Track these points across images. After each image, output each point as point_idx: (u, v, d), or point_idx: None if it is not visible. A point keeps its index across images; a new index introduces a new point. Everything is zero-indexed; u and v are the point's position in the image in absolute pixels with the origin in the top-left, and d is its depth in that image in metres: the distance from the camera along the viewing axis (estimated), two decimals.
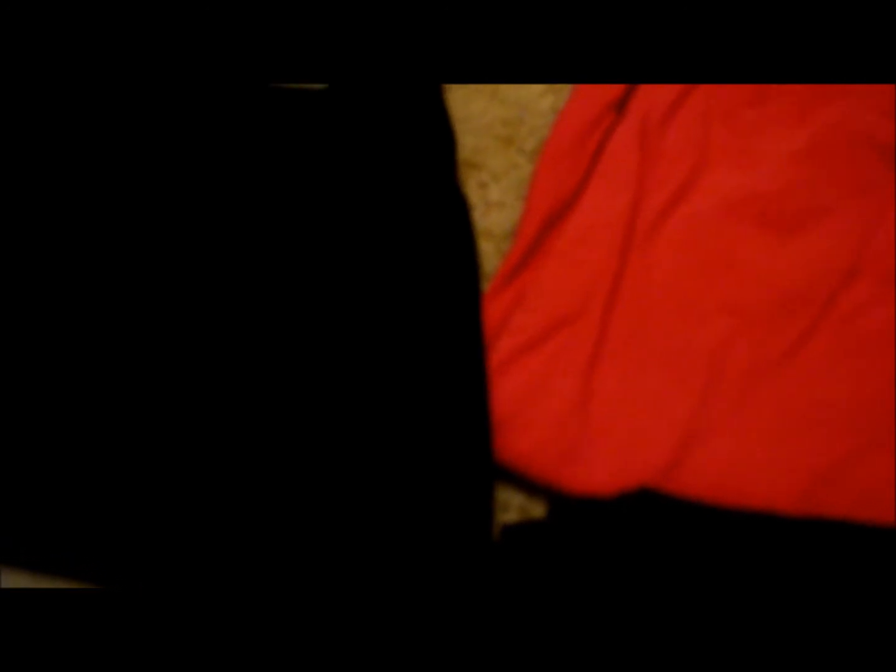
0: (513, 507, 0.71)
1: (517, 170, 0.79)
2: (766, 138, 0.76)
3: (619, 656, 0.63)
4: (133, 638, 0.64)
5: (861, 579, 0.63)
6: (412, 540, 0.67)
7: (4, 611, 0.64)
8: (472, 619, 0.64)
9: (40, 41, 0.74)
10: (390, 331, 0.71)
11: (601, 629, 0.63)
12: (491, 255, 0.77)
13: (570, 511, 0.68)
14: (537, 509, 0.71)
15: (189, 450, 0.69)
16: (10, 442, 0.69)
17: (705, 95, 0.77)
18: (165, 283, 0.72)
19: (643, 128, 0.76)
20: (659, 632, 0.63)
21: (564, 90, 0.80)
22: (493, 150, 0.79)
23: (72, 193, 0.74)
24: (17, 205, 0.73)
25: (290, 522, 0.68)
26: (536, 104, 0.80)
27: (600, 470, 0.70)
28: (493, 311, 0.73)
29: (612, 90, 0.77)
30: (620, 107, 0.77)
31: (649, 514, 0.66)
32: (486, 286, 0.75)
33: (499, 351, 0.72)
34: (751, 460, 0.69)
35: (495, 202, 0.78)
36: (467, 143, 0.79)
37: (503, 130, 0.80)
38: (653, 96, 0.77)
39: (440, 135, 0.76)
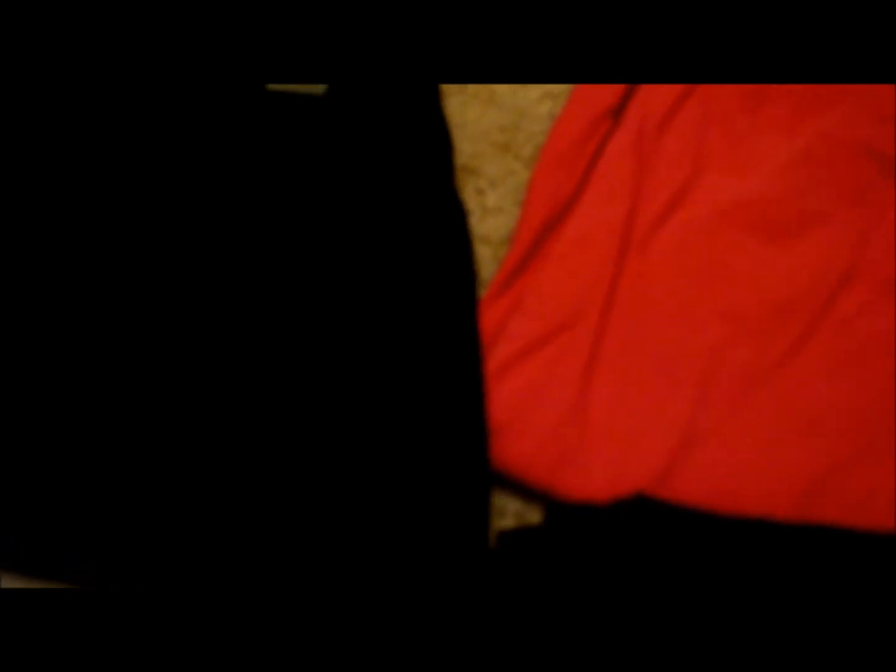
0: (509, 512, 0.71)
1: (514, 176, 0.79)
2: (761, 145, 0.76)
3: (616, 661, 0.63)
4: (133, 638, 0.64)
5: (857, 585, 0.63)
6: (409, 545, 0.67)
7: (4, 611, 0.64)
8: (468, 624, 0.64)
9: (40, 41, 0.74)
10: (387, 336, 0.71)
11: (597, 635, 0.63)
12: (488, 260, 0.77)
13: (567, 517, 0.68)
14: (534, 515, 0.71)
15: (187, 451, 0.69)
16: (10, 442, 0.69)
17: (701, 102, 0.77)
18: (165, 284, 0.72)
19: (640, 134, 0.76)
20: (655, 637, 0.63)
21: (561, 96, 0.80)
22: (490, 155, 0.80)
23: (73, 195, 0.73)
24: (16, 206, 0.73)
25: (287, 526, 0.68)
26: (533, 110, 0.81)
27: (597, 476, 0.70)
28: (489, 316, 0.73)
29: (609, 96, 0.77)
30: (617, 113, 0.77)
31: (645, 519, 0.67)
32: (483, 292, 0.75)
33: (495, 357, 0.72)
34: (746, 466, 0.69)
35: (492, 208, 0.79)
36: (464, 148, 0.80)
37: (500, 136, 0.80)
38: (649, 103, 0.77)
39: (437, 140, 0.76)
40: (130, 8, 0.74)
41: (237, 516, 0.68)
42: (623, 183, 0.76)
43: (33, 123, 0.75)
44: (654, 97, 0.77)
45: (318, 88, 0.76)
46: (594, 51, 0.74)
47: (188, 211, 0.73)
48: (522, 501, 0.71)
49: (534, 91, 0.81)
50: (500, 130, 0.80)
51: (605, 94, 0.77)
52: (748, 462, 0.69)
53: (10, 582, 0.68)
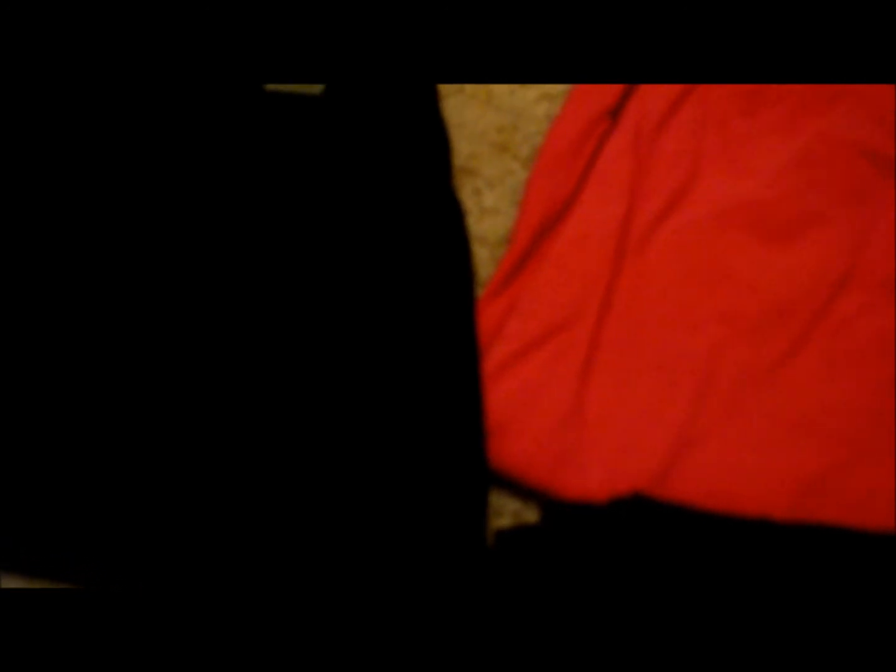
0: (507, 512, 0.71)
1: (512, 176, 0.79)
2: (758, 147, 0.76)
3: (613, 660, 0.63)
4: (133, 638, 0.64)
5: (855, 585, 0.63)
6: (407, 545, 0.67)
7: (4, 611, 0.64)
8: (466, 623, 0.64)
9: (40, 41, 0.74)
10: (385, 336, 0.71)
11: (595, 634, 0.63)
12: (485, 261, 0.77)
13: (564, 516, 0.68)
14: (531, 515, 0.71)
15: (185, 451, 0.69)
16: (10, 442, 0.69)
17: (699, 103, 0.77)
18: (164, 284, 0.72)
19: (637, 135, 0.77)
20: (652, 636, 0.63)
21: (559, 97, 0.80)
22: (488, 156, 0.80)
23: (72, 196, 0.74)
24: (15, 206, 0.73)
25: (286, 526, 0.68)
26: (531, 111, 0.81)
27: (594, 475, 0.70)
28: (487, 317, 0.74)
29: (607, 98, 0.77)
30: (615, 114, 0.77)
31: (642, 519, 0.67)
32: (481, 292, 0.75)
33: (493, 357, 0.72)
34: (742, 467, 0.69)
35: (490, 208, 0.79)
36: (462, 149, 0.80)
37: (498, 137, 0.80)
38: (647, 103, 0.77)
39: (435, 141, 0.76)
40: (128, 8, 0.74)
41: (236, 517, 0.68)
42: (621, 184, 0.76)
43: (33, 124, 0.75)
44: (652, 98, 0.77)
45: (316, 88, 0.76)
46: (592, 51, 0.74)
47: (185, 211, 0.73)
48: (520, 501, 0.71)
49: (531, 92, 0.81)
50: (497, 131, 0.80)
51: (602, 94, 0.77)
52: (746, 462, 0.70)
53: (10, 582, 0.68)
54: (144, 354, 0.71)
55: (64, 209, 0.73)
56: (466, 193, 0.79)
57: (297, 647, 0.64)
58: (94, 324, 0.71)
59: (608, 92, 0.77)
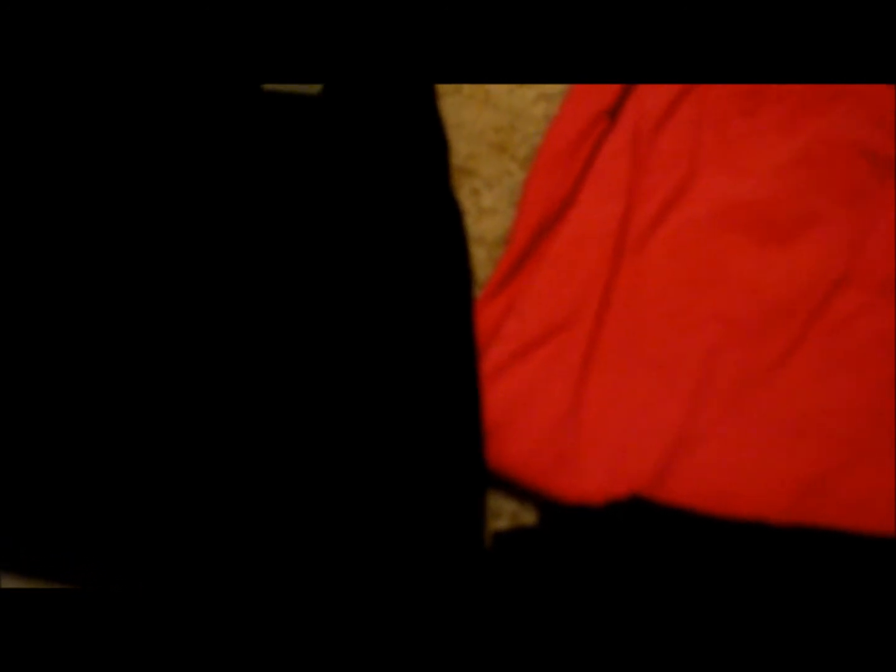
0: (504, 513, 0.71)
1: (510, 176, 0.79)
2: (757, 147, 0.76)
3: (610, 663, 0.63)
4: (133, 638, 0.64)
5: (850, 587, 0.64)
6: (404, 546, 0.67)
7: (4, 611, 0.64)
8: (463, 625, 0.64)
9: (40, 42, 0.74)
10: (382, 337, 0.71)
11: (592, 636, 0.63)
12: (483, 261, 0.77)
13: (562, 518, 0.68)
14: (529, 516, 0.71)
15: (184, 452, 0.69)
16: (10, 442, 0.69)
17: (697, 102, 0.77)
18: (163, 284, 0.72)
19: (635, 135, 0.76)
20: (649, 638, 0.63)
21: (557, 97, 0.80)
22: (486, 156, 0.80)
23: (72, 197, 0.74)
24: (15, 207, 0.74)
25: (284, 527, 0.68)
26: (529, 111, 0.81)
27: (591, 477, 0.70)
28: (485, 317, 0.74)
29: (605, 98, 0.77)
30: (613, 114, 0.77)
31: (640, 521, 0.67)
32: (479, 293, 0.75)
33: (491, 357, 0.72)
34: (740, 468, 0.69)
35: (488, 209, 0.79)
36: (460, 149, 0.80)
37: (496, 137, 0.80)
38: (645, 104, 0.77)
39: (433, 141, 0.76)
40: (128, 8, 0.74)
41: (235, 519, 0.68)
42: (619, 184, 0.76)
43: (32, 125, 0.75)
44: (650, 98, 0.77)
45: (314, 89, 0.76)
46: (591, 50, 0.74)
47: (184, 211, 0.73)
48: (517, 502, 0.71)
49: (529, 92, 0.81)
50: (495, 131, 0.80)
51: (601, 94, 0.77)
52: (744, 464, 0.69)
53: (10, 582, 0.69)
54: (144, 354, 0.71)
55: (64, 210, 0.73)
56: (464, 193, 0.79)
57: (296, 649, 0.65)
58: (95, 324, 0.71)
59: (606, 92, 0.77)
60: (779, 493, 0.69)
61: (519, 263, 0.75)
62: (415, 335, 0.71)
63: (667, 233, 0.75)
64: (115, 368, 0.70)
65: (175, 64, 0.74)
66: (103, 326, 0.71)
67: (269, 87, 0.76)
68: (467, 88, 0.81)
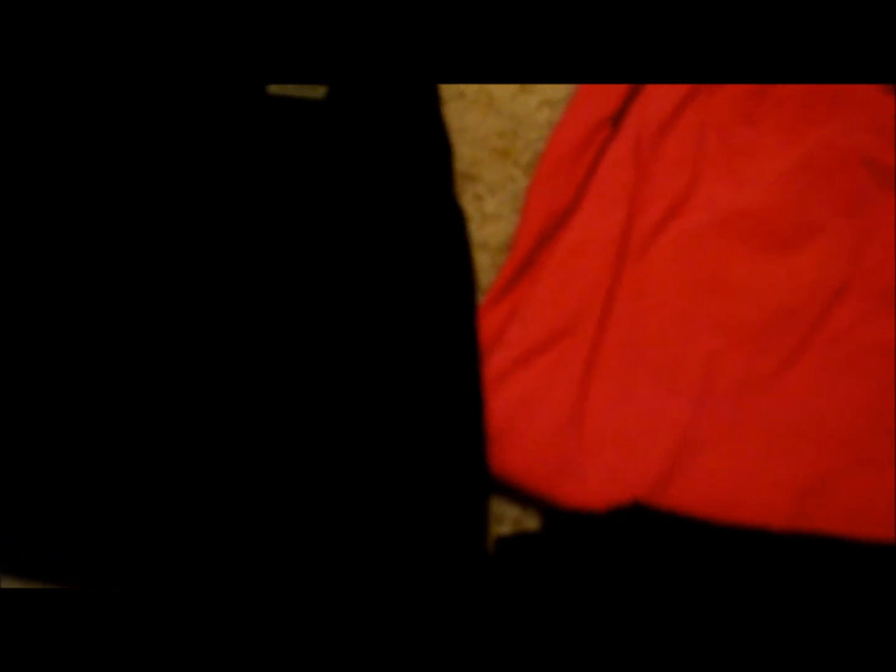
0: (507, 519, 0.72)
1: (513, 182, 0.79)
2: (758, 155, 0.76)
3: (612, 668, 0.63)
4: (133, 638, 0.64)
5: (851, 594, 0.64)
6: (407, 551, 0.67)
7: (4, 611, 0.64)
8: (466, 630, 0.65)
9: (40, 42, 0.74)
10: (386, 342, 0.71)
11: (594, 641, 0.64)
12: (487, 267, 0.77)
13: (564, 524, 0.69)
14: (531, 522, 0.72)
15: (185, 452, 0.69)
16: (10, 442, 0.69)
17: (700, 110, 0.77)
18: (165, 285, 0.72)
19: (638, 142, 0.77)
20: (651, 644, 0.63)
21: (560, 103, 0.80)
22: (490, 162, 0.80)
23: (74, 198, 0.74)
24: (16, 207, 0.73)
25: (286, 532, 0.68)
26: (532, 117, 0.81)
27: (594, 483, 0.70)
28: (488, 323, 0.74)
29: (608, 105, 0.77)
30: (616, 121, 0.77)
31: (642, 527, 0.67)
32: (482, 298, 0.75)
33: (494, 363, 0.73)
34: (742, 474, 0.70)
35: (491, 214, 0.79)
36: (464, 155, 0.80)
37: (499, 143, 0.80)
38: (647, 111, 0.77)
39: (437, 146, 0.76)
40: (131, 9, 0.74)
41: (236, 520, 0.68)
42: (621, 191, 0.76)
43: (34, 125, 0.75)
44: (653, 105, 0.78)
45: (318, 93, 0.76)
46: (594, 50, 0.74)
47: (188, 214, 0.73)
48: (520, 508, 0.72)
49: (533, 98, 0.81)
50: (499, 137, 0.80)
51: (603, 101, 0.78)
52: (745, 469, 0.70)
53: (10, 582, 0.69)
54: (144, 355, 0.71)
55: (66, 211, 0.73)
56: (468, 199, 0.79)
57: (296, 652, 0.65)
58: (95, 324, 0.71)
59: (609, 98, 0.78)
60: (780, 499, 0.69)
61: (522, 269, 0.75)
62: (418, 341, 0.71)
63: (669, 239, 0.75)
64: (115, 369, 0.70)
65: (179, 66, 0.74)
66: (104, 327, 0.71)
67: (273, 90, 0.76)
68: (470, 93, 0.81)
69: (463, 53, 0.74)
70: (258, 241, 0.73)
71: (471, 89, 0.82)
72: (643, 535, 0.67)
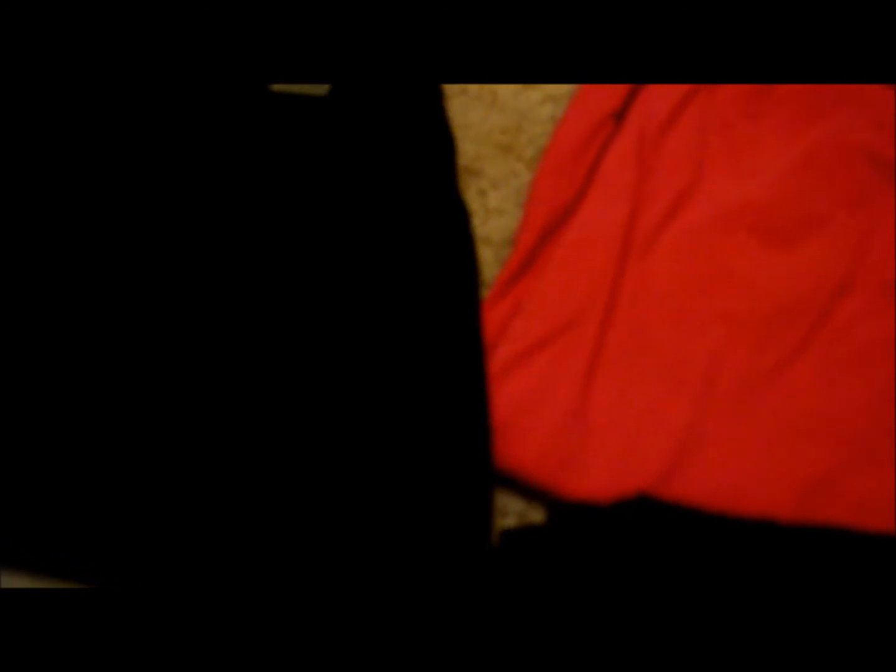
0: (512, 512, 0.72)
1: (516, 177, 0.80)
2: (762, 150, 0.77)
3: (617, 661, 0.63)
4: (133, 638, 0.64)
5: (855, 586, 0.64)
6: (412, 545, 0.67)
7: (4, 611, 0.64)
8: (471, 623, 0.65)
9: (41, 41, 0.74)
10: (390, 337, 0.71)
11: (599, 634, 0.64)
12: (490, 262, 0.77)
13: (569, 517, 0.68)
14: (536, 515, 0.71)
15: (189, 452, 0.69)
16: (10, 442, 0.69)
17: (703, 106, 0.78)
18: (166, 284, 0.72)
19: (641, 138, 0.77)
20: (656, 637, 0.63)
21: (563, 99, 0.81)
22: (493, 157, 0.80)
23: (75, 196, 0.74)
24: (16, 206, 0.73)
25: (288, 527, 0.68)
26: (536, 113, 0.81)
27: (598, 476, 0.70)
28: (492, 318, 0.74)
29: (611, 100, 0.77)
30: (619, 117, 0.78)
31: (647, 520, 0.67)
32: (486, 293, 0.75)
33: (498, 358, 0.73)
34: (746, 468, 0.70)
35: (494, 209, 0.79)
36: (467, 150, 0.80)
37: (502, 138, 0.80)
38: (651, 106, 0.78)
39: (440, 142, 0.76)
40: (135, 7, 0.74)
41: (238, 515, 0.68)
42: (625, 186, 0.76)
43: (35, 124, 0.75)
44: (656, 101, 0.78)
45: (321, 89, 0.76)
46: (596, 50, 0.75)
47: (191, 212, 0.73)
48: (525, 501, 0.72)
49: (536, 94, 0.81)
50: (502, 132, 0.81)
51: (606, 97, 0.78)
52: (748, 464, 0.70)
53: (10, 582, 0.68)
54: (146, 354, 0.71)
55: (66, 209, 0.73)
56: (471, 194, 0.79)
57: (299, 647, 0.65)
58: (96, 324, 0.71)
59: (612, 94, 0.78)
60: (783, 494, 0.69)
61: (525, 264, 0.75)
62: (423, 335, 0.71)
63: (672, 235, 0.75)
64: (115, 368, 0.70)
65: (182, 64, 0.74)
66: (105, 326, 0.71)
67: (276, 87, 0.76)
68: (474, 90, 0.82)
69: (464, 53, 0.75)
70: (260, 237, 0.73)
71: (474, 85, 0.82)
72: (648, 528, 0.66)
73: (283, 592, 0.67)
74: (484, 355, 0.72)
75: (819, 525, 0.67)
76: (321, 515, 0.68)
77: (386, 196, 0.74)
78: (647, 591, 0.64)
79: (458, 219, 0.74)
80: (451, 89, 0.81)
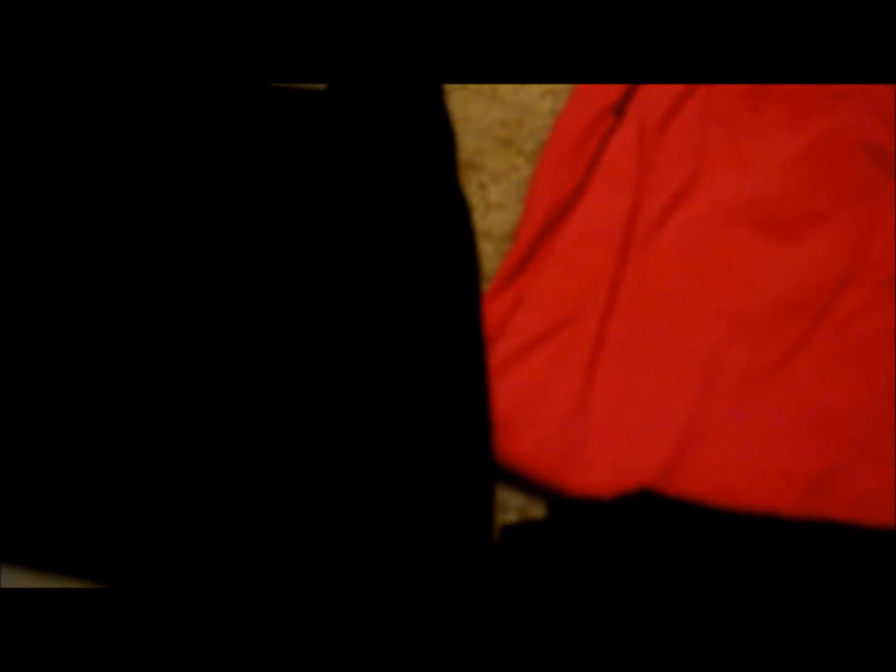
0: (513, 507, 0.72)
1: (517, 171, 0.79)
2: (763, 144, 0.76)
3: (618, 656, 0.63)
4: (133, 638, 0.64)
5: (857, 581, 0.64)
6: (413, 540, 0.67)
7: (4, 611, 0.64)
8: (472, 618, 0.65)
9: (41, 41, 0.74)
10: (391, 332, 0.71)
11: (600, 629, 0.64)
12: (491, 256, 0.77)
13: (570, 512, 0.68)
14: (537, 510, 0.71)
15: (189, 451, 0.69)
16: (11, 442, 0.69)
17: (703, 99, 0.77)
18: (166, 283, 0.72)
19: (642, 131, 0.77)
20: (657, 632, 0.63)
21: (564, 92, 0.80)
22: (493, 151, 0.80)
23: (75, 194, 0.73)
24: (17, 206, 0.73)
25: (289, 524, 0.68)
26: (536, 106, 0.81)
27: (599, 471, 0.70)
28: (493, 312, 0.74)
29: (611, 94, 0.77)
30: (619, 110, 0.77)
31: (648, 515, 0.67)
32: (486, 287, 0.75)
33: (499, 352, 0.73)
34: (747, 463, 0.70)
35: (495, 203, 0.79)
36: (467, 144, 0.80)
37: (503, 132, 0.80)
38: (651, 100, 0.77)
39: (441, 136, 0.76)
40: (136, 6, 0.74)
41: (239, 513, 0.68)
42: (625, 180, 0.76)
43: (36, 122, 0.75)
44: (656, 94, 0.78)
45: (321, 84, 0.76)
46: (596, 50, 0.74)
47: (191, 208, 0.73)
48: (526, 496, 0.72)
49: (536, 87, 0.81)
50: (502, 126, 0.80)
51: (607, 90, 0.78)
52: (750, 459, 0.70)
53: (10, 582, 0.68)
54: (146, 354, 0.71)
55: (66, 207, 0.73)
56: (471, 188, 0.79)
57: (300, 643, 0.65)
58: (97, 324, 0.71)
59: (612, 88, 0.78)
60: (785, 488, 0.69)
61: (526, 258, 0.75)
62: (423, 330, 0.71)
63: (673, 229, 0.75)
64: (116, 368, 0.70)
65: (181, 60, 0.74)
66: (106, 326, 0.71)
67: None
68: (474, 84, 0.81)
69: (466, 53, 0.75)
70: (260, 232, 0.73)
71: None
72: (650, 523, 0.66)
73: (284, 589, 0.66)
74: (484, 349, 0.71)
75: (820, 520, 0.67)
76: (322, 511, 0.68)
77: (386, 190, 0.74)
78: (649, 587, 0.64)
79: (458, 213, 0.74)
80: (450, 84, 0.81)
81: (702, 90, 0.78)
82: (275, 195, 0.74)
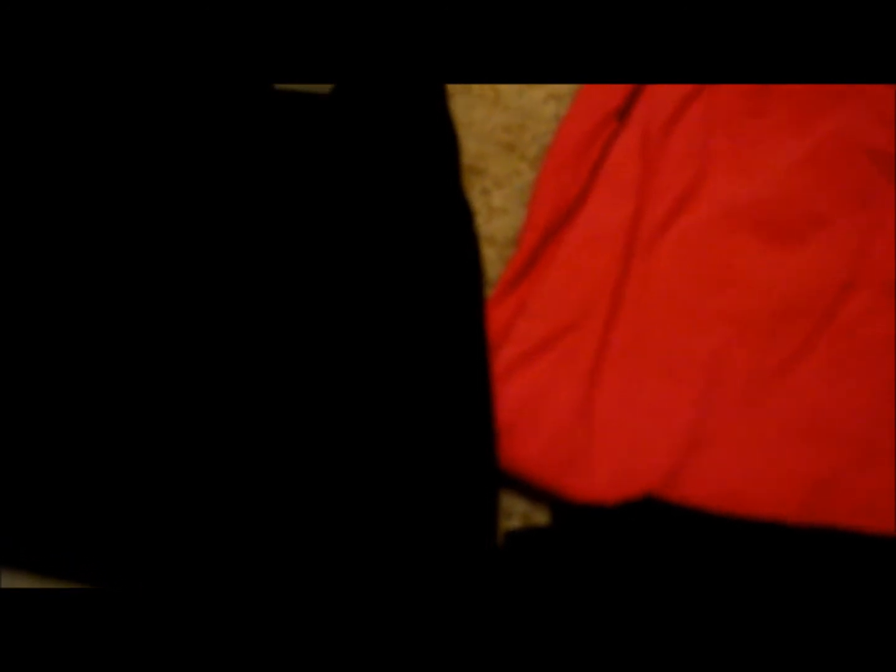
0: (516, 513, 0.72)
1: (520, 176, 0.79)
2: (765, 148, 0.76)
3: (622, 662, 0.63)
4: (133, 638, 0.64)
5: (860, 587, 0.64)
6: (417, 546, 0.67)
7: (4, 611, 0.64)
8: (476, 624, 0.65)
9: (42, 41, 0.74)
10: (394, 337, 0.71)
11: (604, 635, 0.64)
12: (494, 261, 0.77)
13: (574, 518, 0.69)
14: (541, 516, 0.71)
15: (190, 451, 0.69)
16: (11, 442, 0.69)
17: (706, 104, 0.77)
18: (168, 284, 0.72)
19: (645, 136, 0.77)
20: (661, 638, 0.63)
21: (567, 97, 0.80)
22: (496, 156, 0.80)
23: (76, 194, 0.73)
24: (18, 206, 0.73)
25: (292, 528, 0.68)
26: (539, 111, 0.81)
27: (603, 477, 0.70)
28: (496, 317, 0.74)
29: (614, 98, 0.77)
30: (622, 115, 0.77)
31: (651, 521, 0.67)
32: (489, 292, 0.75)
33: (502, 358, 0.73)
34: (751, 469, 0.70)
35: (498, 208, 0.79)
36: (470, 149, 0.80)
37: (506, 137, 0.80)
38: (654, 105, 0.77)
39: (444, 141, 0.76)
40: (139, 6, 0.74)
41: (240, 515, 0.68)
42: (628, 185, 0.76)
43: (37, 122, 0.75)
44: (659, 99, 0.77)
45: (325, 88, 0.76)
46: (600, 51, 0.74)
47: (194, 210, 0.73)
48: (529, 502, 0.72)
49: (539, 92, 0.81)
50: (505, 131, 0.80)
51: (610, 95, 0.77)
52: (755, 464, 0.70)
53: (10, 582, 0.68)
54: (147, 354, 0.71)
55: (67, 208, 0.73)
56: (475, 193, 0.79)
57: (302, 648, 0.65)
58: (97, 324, 0.71)
59: (616, 92, 0.78)
60: (789, 494, 0.69)
61: (529, 263, 0.75)
62: (427, 335, 0.71)
63: (676, 233, 0.75)
64: (116, 368, 0.70)
65: (185, 63, 0.74)
66: (106, 326, 0.71)
67: (280, 86, 0.75)
68: (477, 88, 0.81)
69: (467, 53, 0.75)
70: (264, 236, 0.73)
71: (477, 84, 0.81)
72: (653, 529, 0.66)
73: (286, 593, 0.66)
74: (488, 355, 0.71)
75: (824, 526, 0.67)
76: (326, 517, 0.68)
77: (389, 195, 0.74)
78: (653, 593, 0.64)
79: (461, 218, 0.74)
80: (454, 87, 0.81)
81: (704, 95, 0.78)
82: (278, 199, 0.74)
